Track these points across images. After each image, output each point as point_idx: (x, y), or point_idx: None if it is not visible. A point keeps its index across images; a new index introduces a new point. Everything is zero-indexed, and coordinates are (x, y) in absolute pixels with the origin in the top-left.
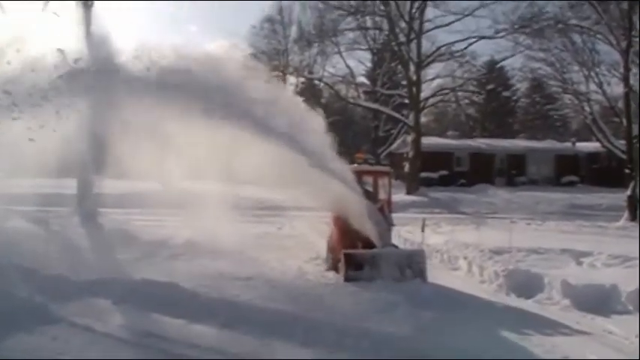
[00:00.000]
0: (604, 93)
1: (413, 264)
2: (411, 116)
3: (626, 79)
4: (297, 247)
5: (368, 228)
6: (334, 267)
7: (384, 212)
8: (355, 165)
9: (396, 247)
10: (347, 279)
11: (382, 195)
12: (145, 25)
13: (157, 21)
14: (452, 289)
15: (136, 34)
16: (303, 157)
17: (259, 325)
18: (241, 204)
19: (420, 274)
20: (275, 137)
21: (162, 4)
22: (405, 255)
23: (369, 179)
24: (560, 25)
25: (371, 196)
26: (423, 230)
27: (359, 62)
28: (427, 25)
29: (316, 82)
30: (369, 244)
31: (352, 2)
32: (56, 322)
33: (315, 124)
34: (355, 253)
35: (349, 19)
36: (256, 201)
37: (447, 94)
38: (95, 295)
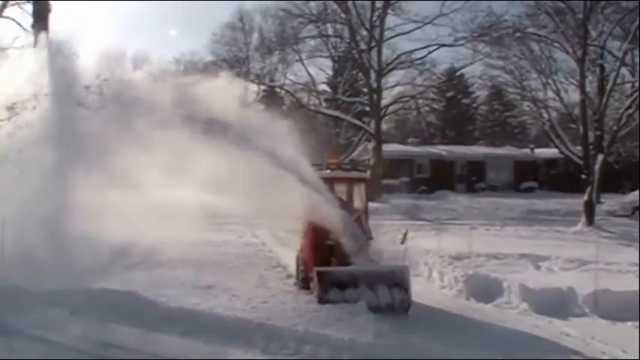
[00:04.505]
0: (561, 100)
1: (395, 282)
2: (372, 123)
3: (582, 87)
4: (258, 255)
5: (344, 242)
6: (305, 285)
7: (361, 224)
8: (328, 171)
9: (375, 262)
10: (321, 301)
11: (358, 204)
12: (123, 30)
13: (136, 26)
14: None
15: (113, 40)
16: (278, 168)
17: (220, 334)
18: (203, 212)
19: (404, 294)
20: (249, 147)
21: (140, 9)
22: (387, 272)
23: (342, 187)
24: (518, 34)
25: (346, 206)
26: (402, 242)
27: (320, 70)
28: (388, 33)
29: (277, 89)
30: (344, 260)
31: (313, 10)
32: (12, 333)
33: (282, 129)
34: (330, 271)
35: (310, 26)
36: (217, 209)
37: (407, 101)
38: (53, 306)
